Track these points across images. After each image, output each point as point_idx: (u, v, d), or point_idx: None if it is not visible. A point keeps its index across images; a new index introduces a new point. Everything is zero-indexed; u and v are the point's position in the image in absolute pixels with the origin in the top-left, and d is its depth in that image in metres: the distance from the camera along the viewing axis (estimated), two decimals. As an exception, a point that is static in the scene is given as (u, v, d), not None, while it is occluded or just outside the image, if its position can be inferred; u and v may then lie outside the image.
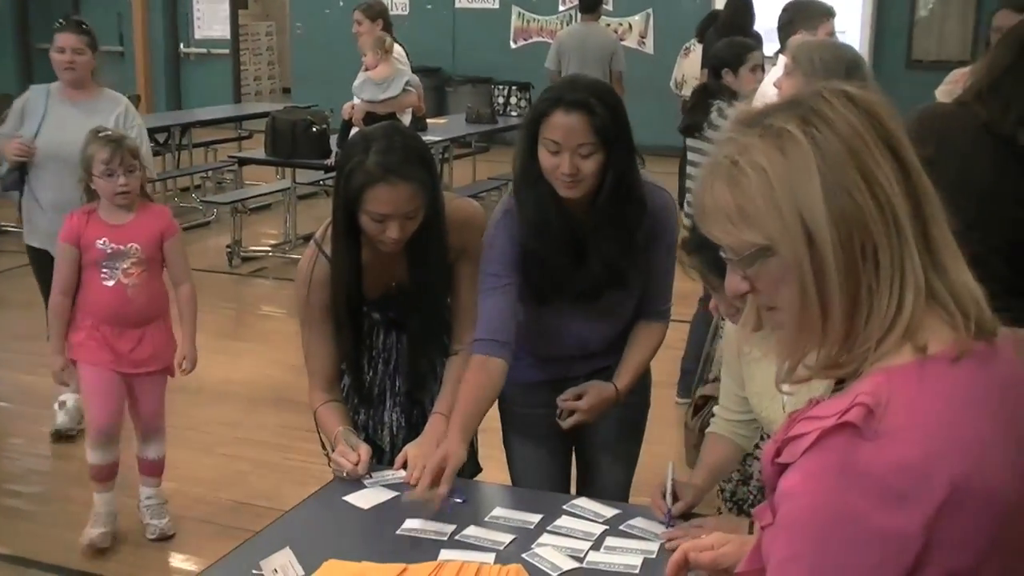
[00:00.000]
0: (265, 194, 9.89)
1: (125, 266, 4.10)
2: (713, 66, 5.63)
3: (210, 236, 9.69)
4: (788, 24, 5.07)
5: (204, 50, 16.81)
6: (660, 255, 2.88)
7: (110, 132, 4.17)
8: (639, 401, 3.16)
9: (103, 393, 4.18)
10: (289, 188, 9.17)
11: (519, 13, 14.50)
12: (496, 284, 2.83)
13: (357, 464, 2.71)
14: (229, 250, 8.75)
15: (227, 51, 16.85)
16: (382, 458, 2.99)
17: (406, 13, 14.33)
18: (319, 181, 9.66)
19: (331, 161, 8.15)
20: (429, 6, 14.65)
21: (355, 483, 2.70)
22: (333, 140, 8.38)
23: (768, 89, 5.43)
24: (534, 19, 14.46)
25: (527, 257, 2.82)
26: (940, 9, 13.01)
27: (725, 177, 1.36)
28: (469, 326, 2.90)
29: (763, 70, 5.60)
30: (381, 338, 3.04)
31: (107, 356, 4.15)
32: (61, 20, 5.07)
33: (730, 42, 6.08)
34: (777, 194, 1.32)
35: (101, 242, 4.06)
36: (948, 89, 4.63)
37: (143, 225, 4.12)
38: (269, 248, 9.18)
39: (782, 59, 6.00)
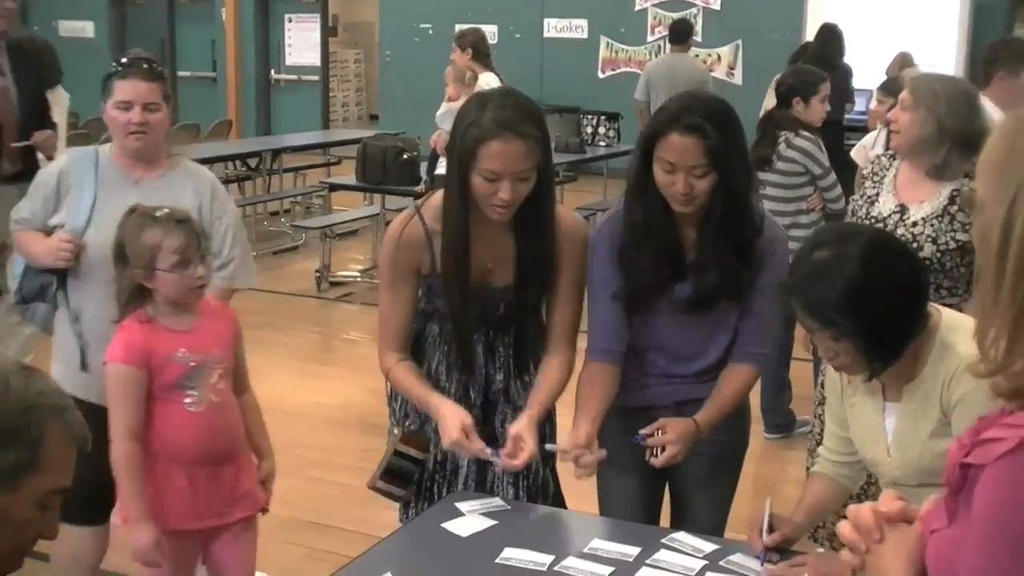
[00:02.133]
0: (354, 220, 9.98)
1: (212, 381, 3.12)
2: (783, 94, 5.56)
3: (298, 260, 9.80)
4: (992, 62, 4.95)
5: (294, 77, 17.08)
6: (762, 291, 2.85)
7: (168, 210, 3.09)
8: (735, 439, 3.12)
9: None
10: (378, 214, 9.25)
11: (607, 43, 14.52)
12: (604, 290, 2.87)
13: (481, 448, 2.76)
14: (318, 275, 8.84)
15: (316, 78, 17.10)
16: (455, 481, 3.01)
17: (495, 42, 14.39)
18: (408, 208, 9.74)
19: (420, 188, 8.21)
20: (518, 35, 14.72)
21: (453, 510, 2.70)
22: (423, 167, 8.44)
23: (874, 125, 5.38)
24: (622, 49, 14.47)
25: (626, 264, 2.84)
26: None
27: None
28: (562, 334, 2.95)
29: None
30: (457, 345, 3.02)
31: (191, 513, 3.12)
32: (122, 60, 3.47)
33: (800, 70, 6.04)
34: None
35: (180, 354, 3.06)
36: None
37: (216, 326, 3.20)
38: (357, 273, 9.26)
39: (875, 92, 5.97)
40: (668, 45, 10.13)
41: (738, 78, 13.78)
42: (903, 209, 3.49)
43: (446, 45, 13.73)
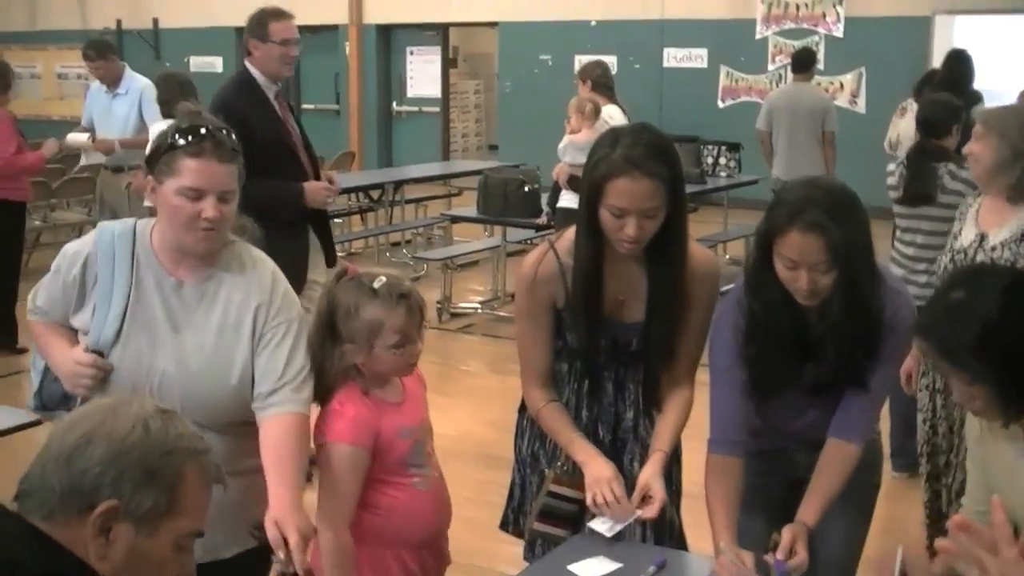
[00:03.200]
0: (475, 251, 10.05)
1: (429, 451, 2.92)
2: (938, 125, 5.39)
3: (421, 291, 9.88)
4: None
5: (415, 108, 17.31)
6: (880, 369, 2.80)
7: (386, 280, 2.71)
8: (868, 478, 3.04)
9: None
10: (499, 246, 9.30)
11: (727, 72, 14.44)
12: (729, 378, 2.82)
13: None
14: (439, 306, 8.90)
15: (437, 109, 17.31)
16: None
17: (614, 72, 14.41)
18: (528, 240, 9.77)
19: (542, 220, 8.23)
20: (638, 65, 14.72)
21: (580, 551, 2.69)
22: (543, 199, 8.47)
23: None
24: (742, 78, 14.38)
25: (750, 358, 2.80)
26: None
27: None
28: (686, 372, 2.96)
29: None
30: (586, 382, 3.02)
31: None
32: (185, 126, 2.59)
33: (940, 101, 5.81)
34: None
35: (404, 430, 2.80)
36: None
37: (415, 389, 2.93)
38: (478, 305, 9.32)
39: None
40: (790, 74, 10.01)
41: (861, 106, 13.57)
42: (983, 237, 3.48)
43: (565, 76, 13.94)
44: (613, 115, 7.88)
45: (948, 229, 5.16)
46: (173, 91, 7.50)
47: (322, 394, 2.77)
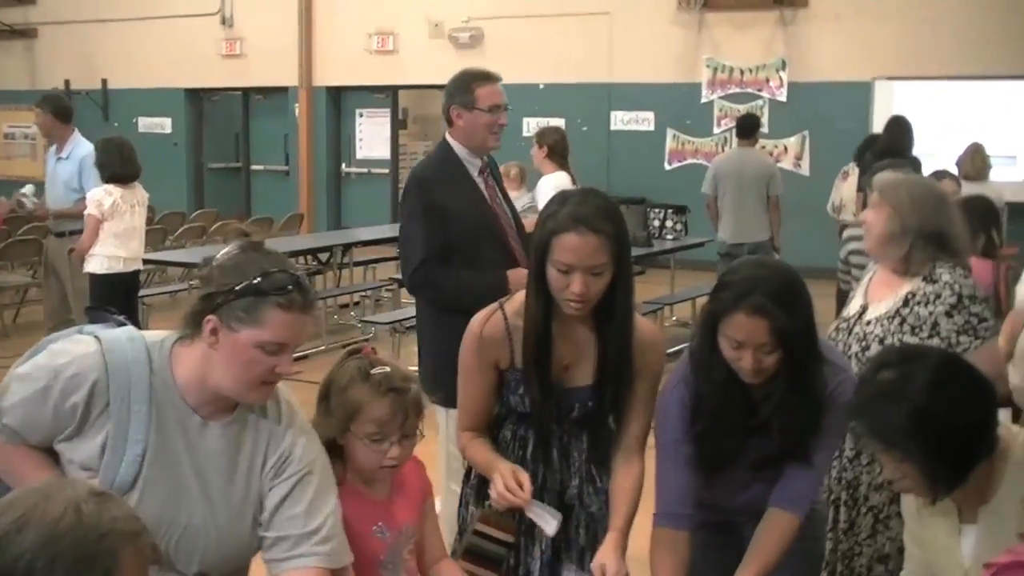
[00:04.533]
0: (422, 314, 10.02)
1: (405, 558, 2.73)
2: None
3: (368, 354, 9.86)
4: None
5: (365, 170, 17.36)
6: (821, 444, 2.84)
7: (388, 370, 2.61)
8: (811, 548, 3.08)
9: None
10: (446, 309, 9.30)
11: (674, 135, 14.60)
12: (676, 453, 2.85)
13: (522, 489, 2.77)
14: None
15: (386, 170, 17.35)
16: None
17: (562, 134, 14.57)
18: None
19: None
20: (585, 128, 14.86)
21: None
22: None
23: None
24: (689, 141, 14.55)
25: (698, 436, 2.84)
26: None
27: None
28: (636, 444, 2.95)
29: None
30: (529, 448, 3.02)
31: None
32: (278, 279, 2.30)
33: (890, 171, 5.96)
34: None
35: (378, 529, 2.67)
36: None
37: (409, 488, 2.79)
38: (425, 368, 9.28)
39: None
40: (735, 139, 10.16)
41: (805, 169, 13.77)
42: (864, 309, 3.47)
43: (514, 138, 14.01)
44: (561, 183, 7.93)
45: None
46: (112, 156, 7.48)
47: None
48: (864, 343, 3.37)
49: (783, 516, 2.83)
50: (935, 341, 3.28)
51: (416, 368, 9.04)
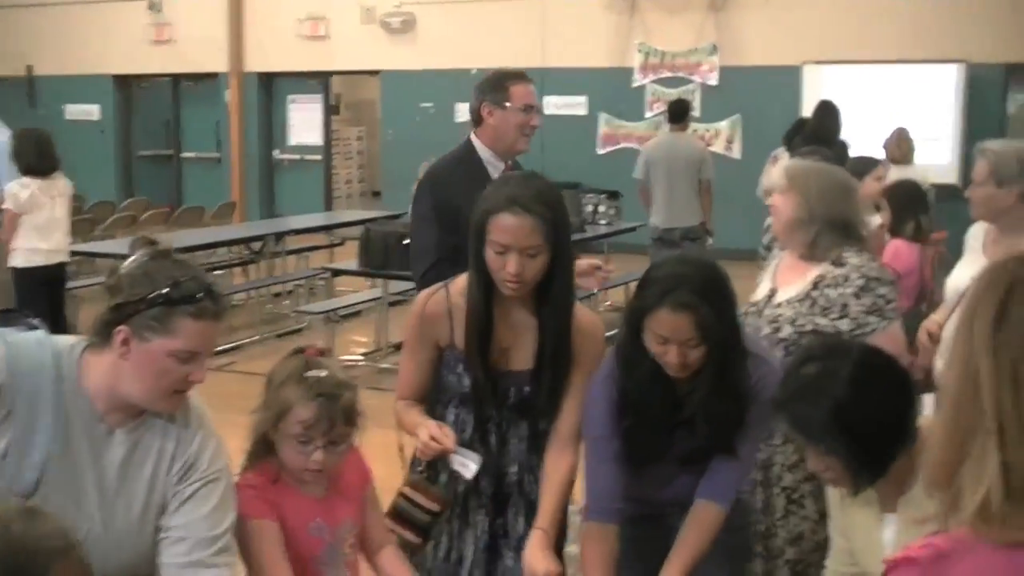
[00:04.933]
0: (356, 304, 10.01)
1: (346, 554, 2.73)
2: None
3: (302, 344, 9.80)
4: None
5: (297, 156, 17.23)
6: (747, 435, 2.88)
7: (326, 374, 2.60)
8: (739, 541, 3.13)
9: None
10: (380, 297, 9.29)
11: (607, 119, 14.66)
12: (603, 448, 2.87)
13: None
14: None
15: (319, 157, 17.25)
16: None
17: (495, 120, 14.55)
18: (410, 291, 9.77)
19: (422, 273, 8.25)
20: (518, 113, 14.87)
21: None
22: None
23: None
24: (621, 125, 14.62)
25: (625, 431, 2.86)
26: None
27: None
28: (570, 435, 2.97)
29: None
30: (468, 431, 3.05)
31: None
32: (186, 288, 2.30)
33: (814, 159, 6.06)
34: None
35: (316, 526, 2.66)
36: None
37: (347, 481, 2.77)
38: (361, 357, 9.27)
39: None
40: (667, 124, 10.22)
41: (736, 152, 13.89)
42: (773, 292, 3.53)
43: (447, 124, 14.03)
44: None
45: None
46: (27, 148, 7.38)
47: (246, 466, 2.67)
48: (776, 325, 3.44)
49: (710, 507, 2.87)
50: (844, 322, 3.37)
51: (353, 358, 9.06)
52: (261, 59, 16.79)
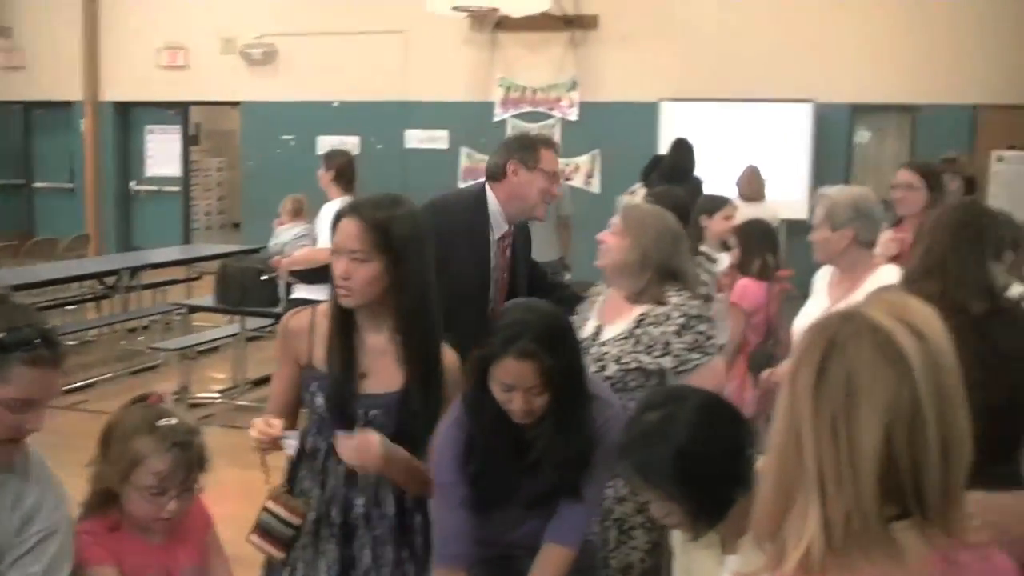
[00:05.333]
0: (213, 340, 9.86)
1: None
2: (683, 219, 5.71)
3: (158, 381, 9.59)
4: None
5: (155, 188, 16.90)
6: (592, 478, 2.93)
7: (175, 422, 2.61)
8: (590, 565, 3.18)
9: None
10: (238, 333, 9.17)
11: (468, 153, 14.73)
12: (451, 494, 2.91)
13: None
14: (176, 397, 8.67)
15: (178, 188, 16.95)
16: None
17: (357, 153, 14.50)
18: (268, 327, 9.65)
19: (280, 309, 8.16)
20: (380, 145, 14.87)
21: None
22: (282, 287, 8.40)
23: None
24: (483, 159, 14.66)
25: (472, 476, 2.90)
26: (876, 152, 13.42)
27: None
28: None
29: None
30: (319, 458, 3.05)
31: None
32: (21, 334, 2.27)
33: (674, 196, 6.21)
34: None
35: (155, 575, 2.66)
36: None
37: (186, 527, 2.75)
38: (217, 395, 9.13)
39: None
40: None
41: (596, 186, 14.07)
42: (599, 330, 3.62)
43: (308, 156, 13.92)
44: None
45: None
46: None
47: (83, 516, 2.63)
48: (601, 363, 3.53)
49: (558, 550, 2.92)
50: (667, 359, 3.49)
51: (210, 395, 8.92)
52: (118, 88, 16.45)
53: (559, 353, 2.75)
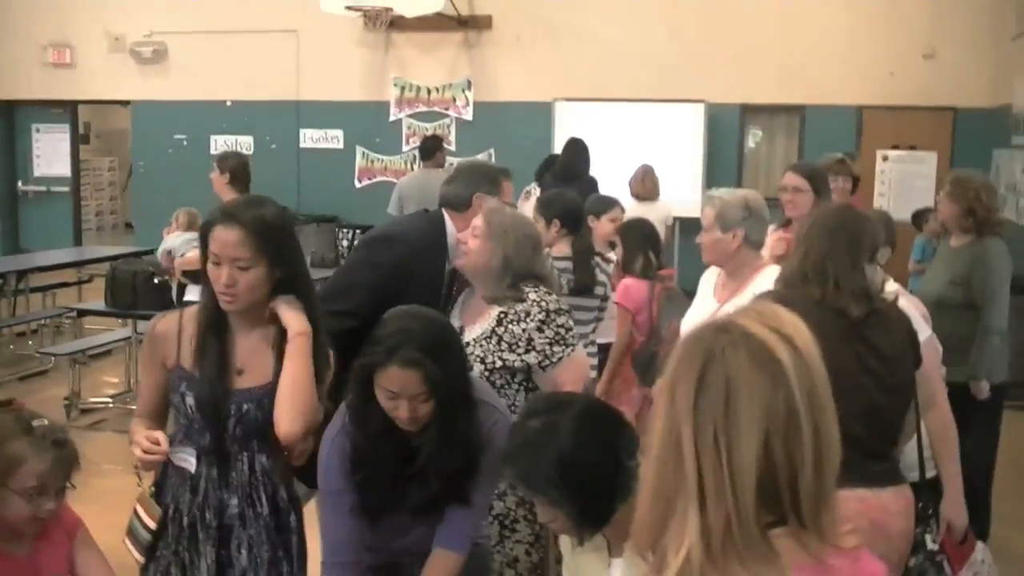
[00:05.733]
0: (104, 344, 9.70)
1: None
2: (578, 223, 5.69)
3: (48, 387, 9.41)
4: None
5: (44, 188, 16.53)
6: (478, 484, 2.96)
7: (48, 424, 2.70)
8: (481, 567, 3.22)
9: None
10: (129, 337, 9.03)
11: (363, 153, 14.68)
12: (338, 502, 2.93)
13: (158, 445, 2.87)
14: (67, 402, 8.52)
15: (67, 188, 16.61)
16: None
17: (251, 152, 14.37)
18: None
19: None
20: (274, 145, 14.74)
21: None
22: (175, 289, 8.29)
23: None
24: (378, 159, 14.66)
25: (359, 483, 2.91)
26: (767, 151, 13.67)
27: None
28: None
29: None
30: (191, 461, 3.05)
31: None
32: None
33: (571, 199, 6.23)
34: None
35: None
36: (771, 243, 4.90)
37: (51, 534, 2.75)
38: (109, 399, 8.98)
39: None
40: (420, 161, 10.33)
41: (492, 186, 14.11)
42: (460, 331, 3.66)
43: (201, 156, 13.76)
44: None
45: (598, 316, 5.53)
46: None
47: None
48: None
49: (447, 556, 2.95)
50: (532, 355, 3.57)
51: (102, 400, 8.76)
52: (2, 87, 16.06)
53: (444, 360, 2.77)
